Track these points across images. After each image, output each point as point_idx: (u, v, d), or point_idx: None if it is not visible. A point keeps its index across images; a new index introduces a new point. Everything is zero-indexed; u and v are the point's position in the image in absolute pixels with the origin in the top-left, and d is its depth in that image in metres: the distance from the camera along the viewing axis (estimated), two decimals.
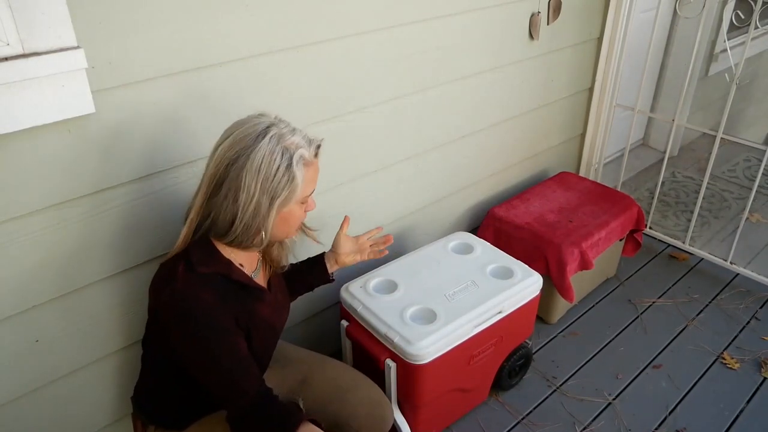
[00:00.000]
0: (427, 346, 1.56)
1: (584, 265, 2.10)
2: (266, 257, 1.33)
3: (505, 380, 1.93)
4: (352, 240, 1.55)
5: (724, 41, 3.27)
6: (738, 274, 2.48)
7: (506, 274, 1.81)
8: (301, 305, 1.69)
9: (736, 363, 2.08)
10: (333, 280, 1.54)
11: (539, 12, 2.16)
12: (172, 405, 1.30)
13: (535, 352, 2.15)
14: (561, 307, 2.25)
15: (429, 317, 1.64)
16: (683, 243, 2.61)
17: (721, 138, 2.31)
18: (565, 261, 2.04)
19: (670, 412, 1.91)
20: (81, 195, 1.28)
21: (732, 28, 3.10)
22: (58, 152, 1.22)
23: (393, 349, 1.59)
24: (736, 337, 2.20)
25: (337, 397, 1.43)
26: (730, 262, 2.46)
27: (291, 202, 1.14)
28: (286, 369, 1.48)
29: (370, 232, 1.58)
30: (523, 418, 1.89)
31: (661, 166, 2.59)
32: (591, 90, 2.63)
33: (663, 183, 3.09)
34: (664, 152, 2.62)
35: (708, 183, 2.49)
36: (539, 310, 1.96)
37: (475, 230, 2.30)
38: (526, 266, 1.86)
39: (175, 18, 1.28)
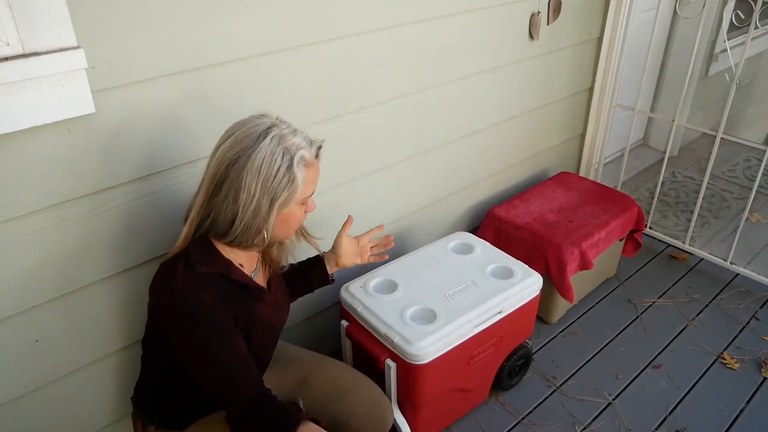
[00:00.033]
0: (427, 346, 1.56)
1: (584, 265, 2.10)
2: (266, 257, 1.33)
3: (505, 380, 1.93)
4: (353, 241, 1.55)
5: (724, 41, 3.27)
6: (738, 274, 2.48)
7: (506, 274, 1.82)
8: (301, 305, 1.69)
9: (736, 363, 2.08)
10: (333, 281, 1.54)
11: (539, 12, 2.16)
12: (172, 405, 1.30)
13: (535, 352, 2.15)
14: (561, 307, 2.25)
15: (429, 317, 1.64)
16: (683, 243, 2.61)
17: (721, 138, 2.31)
18: (565, 261, 2.04)
19: (670, 412, 1.91)
20: (81, 195, 1.28)
21: (732, 28, 3.10)
22: (58, 152, 1.22)
23: (393, 349, 1.59)
24: (736, 337, 2.20)
25: (337, 397, 1.43)
26: (730, 262, 2.46)
27: (291, 203, 1.14)
28: (286, 369, 1.48)
29: (372, 232, 1.58)
30: (523, 418, 1.89)
31: (661, 166, 2.59)
32: (591, 90, 2.63)
33: (663, 183, 3.09)
34: (664, 152, 2.62)
35: (708, 183, 2.49)
36: (539, 310, 1.96)
37: (475, 230, 2.30)
38: (526, 266, 1.86)
39: (175, 18, 1.28)
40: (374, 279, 1.77)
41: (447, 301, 1.70)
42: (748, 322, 2.27)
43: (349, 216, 1.53)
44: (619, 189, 2.59)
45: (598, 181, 2.67)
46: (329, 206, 1.79)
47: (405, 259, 1.89)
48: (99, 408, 1.52)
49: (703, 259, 2.57)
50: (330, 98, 1.67)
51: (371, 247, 1.59)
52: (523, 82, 2.28)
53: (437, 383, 1.65)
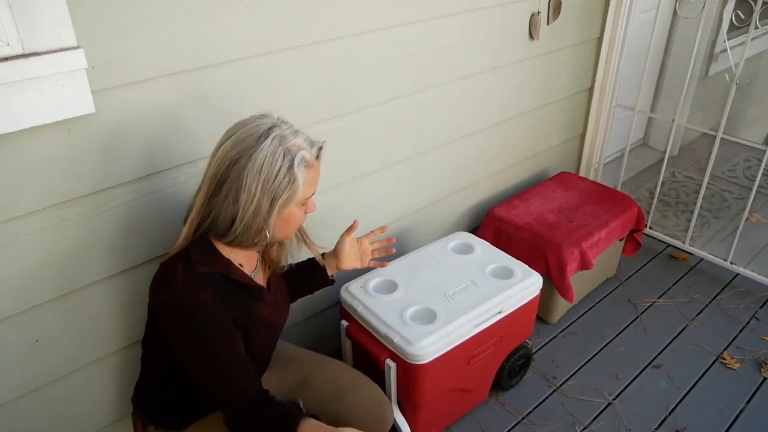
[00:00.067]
0: (427, 346, 1.56)
1: (584, 265, 2.10)
2: (265, 257, 1.33)
3: (505, 380, 1.93)
4: (355, 245, 1.54)
5: (724, 41, 3.27)
6: (738, 274, 2.48)
7: (506, 274, 1.82)
8: (301, 305, 1.69)
9: (736, 363, 2.08)
10: (333, 282, 1.54)
11: (539, 12, 2.16)
12: (172, 405, 1.30)
13: (535, 352, 2.15)
14: (561, 307, 2.25)
15: (429, 317, 1.64)
16: (683, 243, 2.61)
17: (721, 138, 2.31)
18: (565, 261, 2.04)
19: (670, 412, 1.91)
20: (81, 195, 1.28)
21: (732, 28, 3.10)
22: (58, 152, 1.22)
23: (393, 349, 1.59)
24: (736, 337, 2.20)
25: (337, 397, 1.43)
26: (730, 262, 2.46)
27: (292, 203, 1.14)
28: (286, 369, 1.48)
29: (374, 233, 1.58)
30: (523, 418, 1.89)
31: (661, 166, 2.59)
32: (591, 90, 2.63)
33: (663, 183, 3.09)
34: (664, 152, 2.62)
35: (708, 183, 2.49)
36: (539, 310, 1.96)
37: (475, 230, 2.30)
38: (526, 266, 1.86)
39: (175, 18, 1.28)
40: (374, 279, 1.77)
41: (447, 301, 1.70)
42: (748, 322, 2.27)
43: (354, 221, 1.52)
44: (619, 189, 2.59)
45: (598, 181, 2.67)
46: (329, 206, 1.79)
47: (405, 259, 1.89)
48: (99, 408, 1.52)
49: (703, 259, 2.57)
50: (330, 98, 1.67)
51: (372, 251, 1.59)
52: (523, 82, 2.28)
53: (437, 383, 1.65)
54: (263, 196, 1.09)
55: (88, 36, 1.16)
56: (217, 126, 1.20)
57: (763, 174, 2.36)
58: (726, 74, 3.37)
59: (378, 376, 1.56)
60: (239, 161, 1.08)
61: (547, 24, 2.22)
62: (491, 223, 2.25)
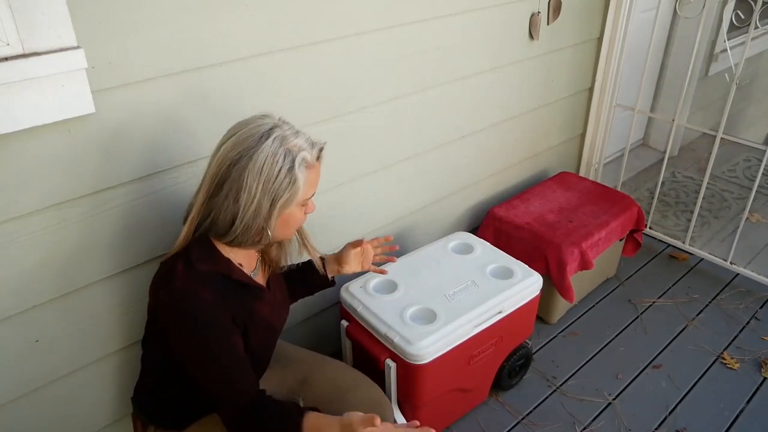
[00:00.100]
0: (427, 346, 1.56)
1: (584, 265, 2.10)
2: (265, 257, 1.33)
3: (505, 380, 1.93)
4: (359, 254, 1.54)
5: (724, 41, 3.27)
6: (738, 274, 2.48)
7: (506, 274, 1.82)
8: (301, 305, 1.69)
9: (736, 363, 2.08)
10: (334, 284, 1.54)
11: (539, 12, 2.16)
12: (172, 405, 1.30)
13: (535, 352, 2.15)
14: (561, 307, 2.25)
15: (429, 317, 1.64)
16: (683, 243, 2.61)
17: (721, 138, 2.31)
18: (565, 261, 2.04)
19: (670, 412, 1.91)
20: (81, 195, 1.28)
21: (732, 28, 3.10)
22: (58, 152, 1.22)
23: (393, 349, 1.59)
24: (736, 337, 2.20)
25: (337, 397, 1.43)
26: (730, 262, 2.46)
27: (292, 204, 1.14)
28: (287, 369, 1.48)
29: (378, 240, 1.58)
30: (523, 418, 1.89)
31: (661, 166, 2.59)
32: (591, 90, 2.63)
33: (663, 183, 3.09)
34: (664, 152, 2.62)
35: (708, 183, 2.50)
36: (539, 310, 1.96)
37: (475, 230, 2.30)
38: (526, 266, 1.86)
39: (175, 18, 1.28)
40: (374, 279, 1.77)
41: (447, 301, 1.70)
42: (748, 322, 2.27)
43: (362, 240, 1.51)
44: (619, 189, 2.59)
45: (598, 181, 2.67)
46: (329, 206, 1.79)
47: (405, 259, 1.89)
48: (99, 408, 1.52)
49: (703, 259, 2.57)
50: (330, 98, 1.67)
51: (375, 255, 1.59)
52: (523, 82, 2.28)
53: (437, 383, 1.65)
54: (264, 196, 1.10)
55: (88, 36, 1.16)
56: (217, 126, 1.20)
57: (763, 174, 2.36)
58: (726, 74, 3.37)
59: (378, 376, 1.56)
60: (240, 161, 1.08)
61: (547, 24, 2.22)
62: (491, 223, 2.25)
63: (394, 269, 1.82)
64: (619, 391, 1.99)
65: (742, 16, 2.29)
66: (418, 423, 1.15)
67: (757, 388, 1.99)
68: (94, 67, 1.19)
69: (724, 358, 2.10)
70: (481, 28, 1.99)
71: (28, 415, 1.39)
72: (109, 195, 1.33)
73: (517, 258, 1.90)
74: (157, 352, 1.26)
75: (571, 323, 2.28)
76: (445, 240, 1.99)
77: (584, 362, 2.10)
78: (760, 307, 2.34)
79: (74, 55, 1.12)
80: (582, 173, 2.85)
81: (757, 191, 2.32)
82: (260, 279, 1.30)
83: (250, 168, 1.08)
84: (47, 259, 1.28)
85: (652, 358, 2.11)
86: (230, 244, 1.17)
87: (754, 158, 3.50)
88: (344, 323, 1.75)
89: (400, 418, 1.65)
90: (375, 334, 1.65)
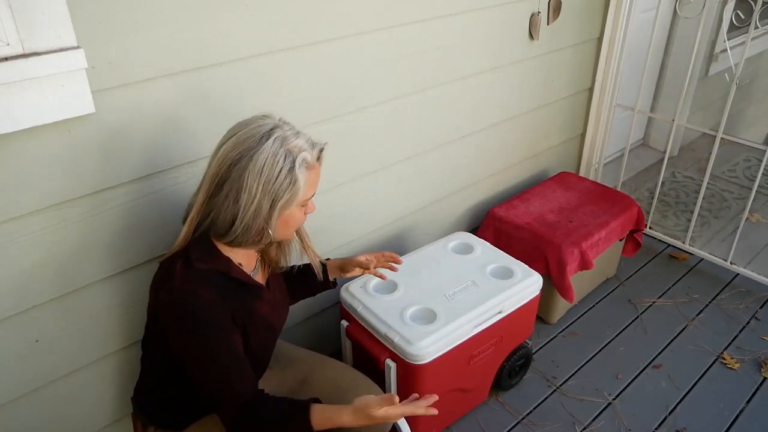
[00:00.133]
0: (427, 346, 1.56)
1: (584, 265, 2.10)
2: (264, 257, 1.33)
3: (505, 380, 1.93)
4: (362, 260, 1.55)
5: (724, 41, 3.27)
6: (738, 274, 2.48)
7: (506, 274, 1.81)
8: (301, 305, 1.69)
9: (736, 363, 2.08)
10: (335, 285, 1.55)
11: (539, 12, 2.16)
12: (172, 405, 1.30)
13: (535, 352, 2.15)
14: (561, 307, 2.25)
15: (429, 317, 1.64)
16: (683, 243, 2.61)
17: (721, 138, 2.31)
18: (565, 261, 2.04)
19: (670, 412, 1.91)
20: (81, 195, 1.28)
21: (732, 28, 3.10)
22: (58, 152, 1.22)
23: (393, 349, 1.59)
24: (736, 337, 2.20)
25: (337, 397, 1.42)
26: (730, 262, 2.46)
27: (292, 205, 1.14)
28: (286, 369, 1.48)
29: (384, 255, 1.57)
30: (523, 418, 1.89)
31: (661, 166, 2.59)
32: (591, 90, 2.63)
33: (663, 183, 3.09)
34: (664, 152, 2.62)
35: (708, 183, 2.49)
36: (539, 310, 1.96)
37: (475, 230, 2.30)
38: (526, 266, 1.86)
39: (175, 18, 1.28)
40: (374, 279, 1.77)
41: (447, 301, 1.70)
42: (748, 322, 2.27)
43: (372, 268, 1.53)
44: (619, 189, 2.59)
45: (598, 181, 2.67)
46: (329, 206, 1.79)
47: (405, 259, 1.89)
48: (99, 408, 1.52)
49: (703, 259, 2.57)
50: (330, 98, 1.67)
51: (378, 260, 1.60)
52: (523, 82, 2.28)
53: (437, 383, 1.65)
54: (264, 197, 1.09)
55: (88, 36, 1.16)
56: (217, 126, 1.20)
57: (763, 174, 2.36)
58: (726, 74, 3.37)
59: (378, 376, 1.56)
60: (240, 161, 1.08)
61: (547, 24, 2.22)
62: (491, 223, 2.25)
63: None
64: (619, 391, 1.99)
65: (742, 16, 2.29)
66: (417, 395, 1.19)
67: (757, 388, 1.99)
68: (94, 67, 1.19)
69: (724, 358, 2.10)
70: (481, 28, 1.99)
71: (28, 415, 1.39)
72: (109, 195, 1.33)
73: (517, 258, 1.90)
74: (157, 353, 1.26)
75: (571, 323, 2.28)
76: (445, 240, 1.99)
77: (584, 362, 2.10)
78: (760, 307, 2.34)
79: (74, 55, 1.12)
80: (582, 173, 2.85)
81: (757, 191, 2.32)
82: (260, 278, 1.30)
83: (250, 168, 1.08)
84: (47, 259, 1.28)
85: (652, 358, 2.11)
86: (230, 244, 1.17)
87: (754, 158, 3.50)
88: (344, 323, 1.75)
89: (400, 418, 1.65)
90: (375, 334, 1.65)
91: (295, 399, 1.20)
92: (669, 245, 2.70)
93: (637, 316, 2.31)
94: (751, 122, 4.01)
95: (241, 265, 1.22)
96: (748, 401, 1.94)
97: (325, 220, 1.79)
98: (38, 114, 1.12)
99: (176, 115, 1.37)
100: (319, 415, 1.14)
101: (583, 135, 2.76)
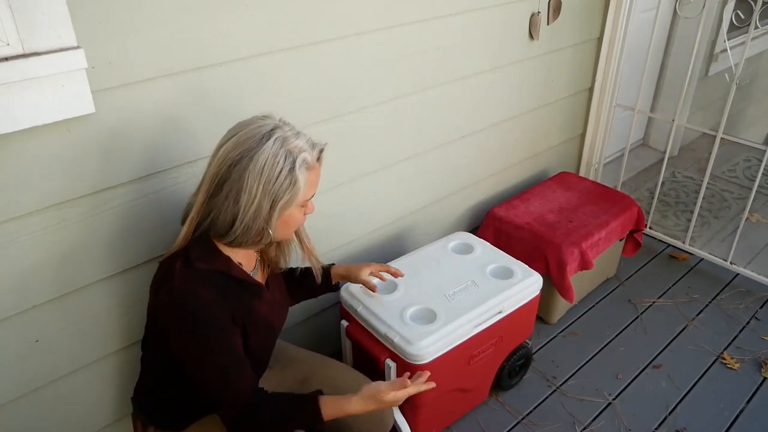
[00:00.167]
0: (427, 346, 1.56)
1: (584, 265, 2.10)
2: (264, 257, 1.33)
3: (505, 380, 1.93)
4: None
5: (724, 41, 3.27)
6: (738, 274, 2.48)
7: (506, 274, 1.81)
8: (301, 305, 1.69)
9: (736, 363, 2.08)
10: (338, 288, 1.55)
11: (539, 12, 2.16)
12: (172, 405, 1.30)
13: (535, 352, 2.15)
14: (561, 307, 2.25)
15: (429, 317, 1.64)
16: (683, 243, 2.61)
17: (721, 138, 2.31)
18: (565, 261, 2.04)
19: (670, 412, 1.91)
20: (81, 195, 1.28)
21: (732, 28, 3.10)
22: (58, 152, 1.22)
23: (393, 349, 1.59)
24: (736, 337, 2.20)
25: None
26: (730, 262, 2.46)
27: (292, 205, 1.14)
28: (286, 369, 1.48)
29: (389, 269, 1.59)
30: (523, 418, 1.89)
31: (661, 166, 2.59)
32: (591, 90, 2.63)
33: (663, 183, 3.09)
34: (664, 152, 2.62)
35: (708, 183, 2.49)
36: (539, 310, 1.96)
37: (475, 230, 2.30)
38: (526, 266, 1.86)
39: (175, 18, 1.28)
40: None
41: (447, 301, 1.70)
42: (748, 322, 2.27)
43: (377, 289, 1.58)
44: (619, 189, 2.59)
45: (598, 181, 2.67)
46: (329, 206, 1.79)
47: (405, 259, 1.89)
48: (99, 408, 1.52)
49: (703, 259, 2.57)
50: (330, 98, 1.67)
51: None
52: (523, 82, 2.28)
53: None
54: (264, 197, 1.09)
55: (88, 36, 1.16)
56: (217, 126, 1.20)
57: (763, 174, 2.36)
58: (726, 74, 3.37)
59: (378, 376, 1.56)
60: (241, 162, 1.08)
61: (547, 24, 2.22)
62: (491, 223, 2.25)
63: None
64: (619, 391, 1.99)
65: (742, 16, 2.29)
66: (408, 373, 1.27)
67: (757, 388, 1.99)
68: (94, 67, 1.19)
69: (724, 358, 2.10)
70: (481, 28, 1.99)
71: (28, 415, 1.39)
72: (109, 195, 1.33)
73: (517, 258, 1.90)
74: (157, 353, 1.26)
75: (571, 323, 2.28)
76: (445, 240, 1.99)
77: (584, 362, 2.10)
78: (760, 307, 2.34)
79: (74, 55, 1.12)
80: (582, 173, 2.85)
81: (757, 191, 2.32)
82: (259, 278, 1.30)
83: (250, 169, 1.08)
84: (47, 259, 1.28)
85: (652, 358, 2.11)
86: (230, 244, 1.17)
87: (754, 158, 3.50)
88: (344, 323, 1.75)
89: (400, 419, 1.65)
90: (375, 334, 1.65)
91: (299, 393, 1.20)
92: (669, 245, 2.70)
93: (637, 316, 2.31)
94: (751, 122, 4.01)
95: (240, 264, 1.22)
96: (748, 401, 1.94)
97: (325, 220, 1.79)
98: (38, 114, 1.12)
99: (176, 115, 1.37)
100: (329, 405, 1.15)
101: (583, 135, 2.76)
